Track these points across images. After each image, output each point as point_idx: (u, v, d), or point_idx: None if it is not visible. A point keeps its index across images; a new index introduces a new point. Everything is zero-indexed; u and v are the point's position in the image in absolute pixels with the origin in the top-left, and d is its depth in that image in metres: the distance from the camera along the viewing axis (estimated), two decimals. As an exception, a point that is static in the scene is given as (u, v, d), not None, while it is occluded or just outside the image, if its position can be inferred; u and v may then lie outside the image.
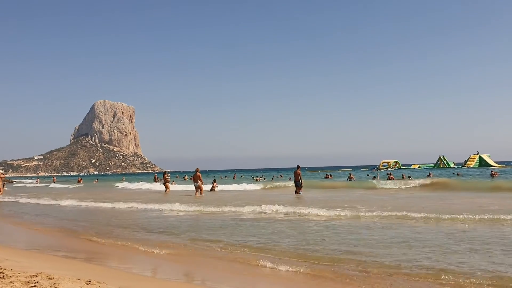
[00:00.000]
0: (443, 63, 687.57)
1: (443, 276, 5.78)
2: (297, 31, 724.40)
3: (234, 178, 60.67)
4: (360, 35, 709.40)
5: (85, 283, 4.99)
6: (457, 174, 48.70)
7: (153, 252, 8.48)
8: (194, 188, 25.92)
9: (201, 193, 25.27)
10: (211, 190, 29.31)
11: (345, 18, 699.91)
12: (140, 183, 45.14)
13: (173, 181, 40.61)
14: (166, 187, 30.24)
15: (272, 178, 55.99)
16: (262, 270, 6.69)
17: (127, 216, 15.27)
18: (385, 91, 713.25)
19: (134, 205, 18.84)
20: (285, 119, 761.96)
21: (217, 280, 6.29)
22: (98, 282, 5.12)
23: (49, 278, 5.07)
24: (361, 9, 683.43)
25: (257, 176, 63.00)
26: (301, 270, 6.47)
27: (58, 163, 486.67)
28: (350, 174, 46.54)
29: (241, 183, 35.61)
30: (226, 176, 61.54)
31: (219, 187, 30.38)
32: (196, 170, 25.72)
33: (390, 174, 41.40)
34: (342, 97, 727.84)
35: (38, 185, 58.60)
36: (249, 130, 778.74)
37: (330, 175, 53.53)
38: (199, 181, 25.26)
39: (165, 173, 31.73)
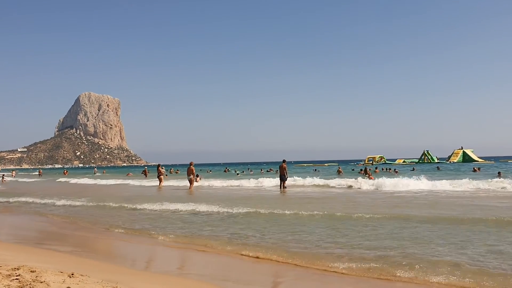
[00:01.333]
0: (427, 61, 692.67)
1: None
2: (284, 28, 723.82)
3: (226, 171, 60.10)
4: (347, 33, 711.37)
5: (68, 276, 4.97)
6: (437, 168, 49.36)
7: (138, 244, 8.47)
8: (186, 183, 26.01)
9: (191, 186, 25.29)
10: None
11: (333, 17, 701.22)
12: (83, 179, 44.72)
13: (177, 170, 40.80)
14: (160, 180, 29.97)
15: (261, 171, 56.16)
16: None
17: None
18: (371, 88, 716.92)
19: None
20: (273, 114, 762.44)
21: (203, 272, 6.32)
22: (81, 275, 5.11)
23: (31, 271, 5.05)
24: (349, 9, 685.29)
25: (237, 170, 63.64)
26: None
27: (42, 155, 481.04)
28: (339, 167, 47.11)
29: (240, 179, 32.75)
30: (209, 171, 60.11)
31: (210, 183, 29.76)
32: (190, 164, 25.72)
33: (370, 174, 41.81)
34: (328, 93, 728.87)
35: (12, 179, 57.08)
36: (236, 124, 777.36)
37: (318, 170, 54.13)
38: (191, 175, 25.39)
39: (159, 165, 31.19)
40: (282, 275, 6.17)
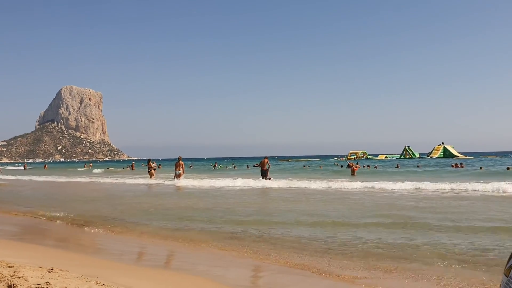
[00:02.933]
0: (409, 57, 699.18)
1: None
2: (270, 23, 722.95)
3: (214, 168, 59.21)
4: (326, 28, 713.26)
5: (47, 271, 4.94)
6: (417, 166, 49.65)
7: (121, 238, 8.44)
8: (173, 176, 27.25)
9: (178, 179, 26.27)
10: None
11: (316, 12, 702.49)
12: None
13: (159, 165, 40.93)
14: (151, 174, 30.60)
15: (247, 167, 55.60)
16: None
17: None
18: (353, 83, 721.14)
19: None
20: (257, 110, 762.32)
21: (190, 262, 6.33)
22: (61, 270, 5.07)
23: (9, 267, 4.99)
24: (332, 6, 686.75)
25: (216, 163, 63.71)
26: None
27: (23, 149, 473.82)
28: (320, 166, 47.53)
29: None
30: (190, 166, 58.71)
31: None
32: (179, 158, 26.89)
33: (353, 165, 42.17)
34: (312, 88, 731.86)
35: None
36: (221, 118, 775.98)
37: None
38: (181, 169, 26.53)
39: (149, 160, 32.02)
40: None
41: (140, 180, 28.56)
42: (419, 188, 18.00)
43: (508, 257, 1.16)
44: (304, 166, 56.24)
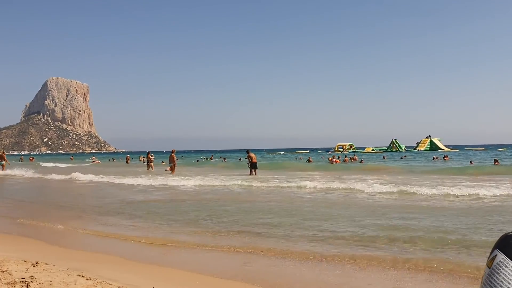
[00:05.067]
0: (395, 48, 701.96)
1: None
2: (255, 14, 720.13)
3: (211, 159, 58.44)
4: (312, 17, 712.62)
5: (32, 265, 4.91)
6: (401, 158, 50.08)
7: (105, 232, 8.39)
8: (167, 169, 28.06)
9: (172, 172, 26.60)
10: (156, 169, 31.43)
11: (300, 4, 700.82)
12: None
13: (162, 161, 41.44)
14: (150, 167, 31.66)
15: (240, 160, 55.00)
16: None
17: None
18: (341, 76, 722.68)
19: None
20: (244, 102, 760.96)
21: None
22: (46, 264, 5.05)
23: (-7, 260, 4.96)
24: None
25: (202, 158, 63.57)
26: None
27: (8, 141, 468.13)
28: (309, 157, 47.71)
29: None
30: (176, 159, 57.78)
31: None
32: (172, 151, 27.51)
33: (334, 158, 42.59)
34: (299, 81, 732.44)
35: None
36: (208, 111, 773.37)
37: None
38: (173, 162, 27.13)
39: (148, 153, 33.02)
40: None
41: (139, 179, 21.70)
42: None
43: (491, 249, 1.18)
44: (296, 158, 56.70)
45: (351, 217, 9.37)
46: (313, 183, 16.41)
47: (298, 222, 8.84)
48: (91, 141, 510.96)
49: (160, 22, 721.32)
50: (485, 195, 12.26)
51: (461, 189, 13.37)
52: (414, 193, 13.24)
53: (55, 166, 43.73)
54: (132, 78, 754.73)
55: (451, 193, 12.77)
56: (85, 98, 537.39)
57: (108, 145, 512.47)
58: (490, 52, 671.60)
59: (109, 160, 64.69)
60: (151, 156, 32.71)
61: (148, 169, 31.41)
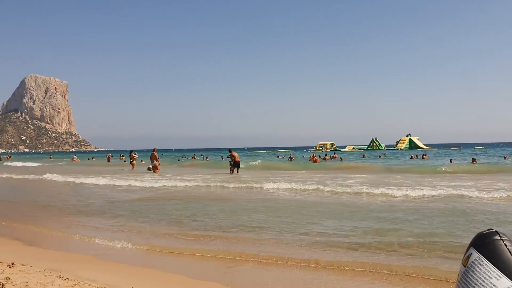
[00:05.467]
0: (376, 47, 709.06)
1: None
2: (237, 12, 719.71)
3: (194, 158, 58.07)
4: (297, 17, 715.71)
5: (8, 265, 4.83)
6: (379, 156, 50.42)
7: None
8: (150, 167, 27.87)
9: (157, 171, 26.69)
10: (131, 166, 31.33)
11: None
12: None
13: (142, 160, 40.61)
14: (133, 165, 31.37)
15: (222, 158, 54.57)
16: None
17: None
18: (323, 75, 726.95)
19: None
20: (226, 101, 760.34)
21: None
22: (22, 265, 4.97)
23: (-33, 261, 4.85)
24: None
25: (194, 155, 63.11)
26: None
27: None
28: (290, 155, 47.96)
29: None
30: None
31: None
32: (154, 150, 27.54)
33: (315, 156, 42.98)
34: (281, 80, 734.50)
35: None
36: (190, 110, 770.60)
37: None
38: (155, 160, 27.02)
39: (131, 151, 32.84)
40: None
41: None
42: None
43: (466, 248, 1.19)
44: (278, 156, 57.11)
45: (321, 218, 9.41)
46: (276, 184, 16.03)
47: (280, 222, 8.85)
48: (70, 139, 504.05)
49: (140, 20, 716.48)
50: (463, 194, 12.34)
51: (435, 189, 13.52)
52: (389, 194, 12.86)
53: (26, 165, 42.55)
54: (112, 76, 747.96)
55: (424, 194, 12.84)
56: (64, 96, 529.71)
57: (88, 144, 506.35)
58: (465, 52, 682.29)
59: (88, 159, 63.83)
60: (134, 154, 32.41)
61: (132, 168, 31.09)
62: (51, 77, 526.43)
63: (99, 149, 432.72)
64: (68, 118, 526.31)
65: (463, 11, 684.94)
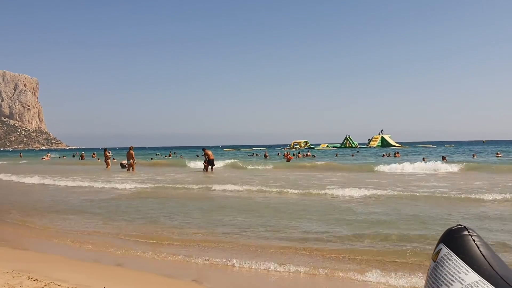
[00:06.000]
0: (347, 46, 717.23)
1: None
2: (220, 8, 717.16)
3: (169, 156, 57.53)
4: (275, 12, 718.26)
5: (-26, 267, 4.69)
6: (352, 155, 50.67)
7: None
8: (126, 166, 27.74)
9: (133, 170, 26.47)
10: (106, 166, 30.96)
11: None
12: None
13: (113, 158, 39.77)
14: (107, 164, 31.24)
15: (197, 156, 54.16)
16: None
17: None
18: (296, 73, 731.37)
19: None
20: (199, 99, 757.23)
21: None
22: (-10, 266, 4.84)
23: None
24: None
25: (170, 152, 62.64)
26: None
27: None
28: (265, 152, 48.35)
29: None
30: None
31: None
32: (130, 148, 27.24)
33: (289, 154, 43.30)
34: (255, 77, 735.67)
35: None
36: (163, 108, 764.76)
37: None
38: (131, 159, 26.80)
39: (105, 150, 32.55)
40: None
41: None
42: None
43: (436, 243, 1.22)
44: (252, 154, 57.30)
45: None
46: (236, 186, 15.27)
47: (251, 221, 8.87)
48: (41, 137, 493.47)
49: (110, 16, 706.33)
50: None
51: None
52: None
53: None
54: (84, 73, 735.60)
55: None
56: (34, 92, 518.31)
57: (59, 142, 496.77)
58: (433, 51, 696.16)
59: (59, 157, 62.60)
60: (108, 153, 32.04)
61: (107, 167, 30.78)
62: (21, 74, 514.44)
63: (70, 147, 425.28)
64: (39, 115, 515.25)
65: (436, 9, 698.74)
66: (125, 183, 17.04)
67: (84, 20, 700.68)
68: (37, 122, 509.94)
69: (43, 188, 17.33)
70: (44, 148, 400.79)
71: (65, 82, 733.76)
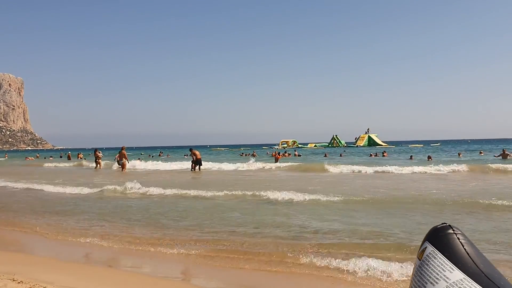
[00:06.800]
0: (334, 43, 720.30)
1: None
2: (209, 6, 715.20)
3: (160, 155, 57.26)
4: (265, 8, 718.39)
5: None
6: (340, 155, 50.89)
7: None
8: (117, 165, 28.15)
9: (124, 170, 26.58)
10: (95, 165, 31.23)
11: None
12: None
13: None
14: (98, 164, 31.28)
15: (185, 156, 53.62)
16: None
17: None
18: (284, 71, 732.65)
19: None
20: (187, 99, 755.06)
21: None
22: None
23: None
24: None
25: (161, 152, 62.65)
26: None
27: None
28: (253, 152, 48.62)
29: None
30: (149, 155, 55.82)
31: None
32: (122, 148, 27.38)
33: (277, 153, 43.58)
34: (242, 76, 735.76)
35: None
36: (150, 108, 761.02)
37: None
38: (124, 159, 27.11)
39: (96, 150, 32.68)
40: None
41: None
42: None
43: (422, 241, 1.23)
44: (241, 154, 57.34)
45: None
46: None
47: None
48: (26, 137, 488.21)
49: (97, 17, 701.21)
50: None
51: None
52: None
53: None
54: (70, 73, 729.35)
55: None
56: (19, 92, 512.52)
57: (45, 142, 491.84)
58: (419, 50, 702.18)
59: (45, 158, 61.92)
60: (99, 153, 31.97)
61: (96, 167, 30.83)
62: (5, 73, 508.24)
63: (56, 148, 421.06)
64: (24, 115, 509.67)
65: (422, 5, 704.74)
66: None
67: (70, 19, 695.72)
68: (22, 122, 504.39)
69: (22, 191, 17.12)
70: (29, 148, 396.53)
71: (50, 82, 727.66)
